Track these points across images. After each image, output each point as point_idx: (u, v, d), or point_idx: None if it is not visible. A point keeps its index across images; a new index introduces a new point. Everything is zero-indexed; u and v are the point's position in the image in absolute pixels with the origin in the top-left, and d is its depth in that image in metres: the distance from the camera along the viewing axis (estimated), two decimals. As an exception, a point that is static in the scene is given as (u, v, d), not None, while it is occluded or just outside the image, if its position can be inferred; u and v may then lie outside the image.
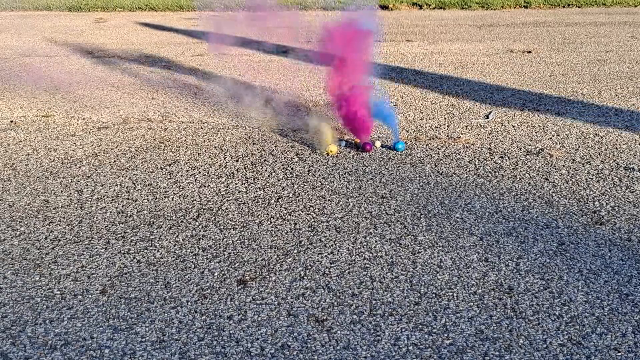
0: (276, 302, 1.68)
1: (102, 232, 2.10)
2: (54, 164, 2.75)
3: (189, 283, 1.78)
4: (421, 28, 6.91)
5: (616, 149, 2.84)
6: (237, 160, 2.76)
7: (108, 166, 2.72)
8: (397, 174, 2.58)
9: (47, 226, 2.15)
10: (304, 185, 2.47)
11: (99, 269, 1.87)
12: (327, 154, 2.80)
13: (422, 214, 2.20)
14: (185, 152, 2.88)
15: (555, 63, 4.78)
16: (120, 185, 2.51)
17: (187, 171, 2.64)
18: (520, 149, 2.86)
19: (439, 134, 3.10)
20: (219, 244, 2.01)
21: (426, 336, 1.54)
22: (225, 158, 2.80)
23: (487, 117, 3.36)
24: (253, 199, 2.36)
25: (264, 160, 2.75)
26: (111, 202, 2.34)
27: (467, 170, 2.61)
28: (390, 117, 2.91)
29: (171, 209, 2.27)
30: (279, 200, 2.34)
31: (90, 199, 2.37)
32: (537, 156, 2.76)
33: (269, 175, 2.58)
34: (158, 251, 1.97)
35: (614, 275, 1.80)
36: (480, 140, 2.98)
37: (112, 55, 5.26)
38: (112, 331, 1.57)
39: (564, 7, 8.66)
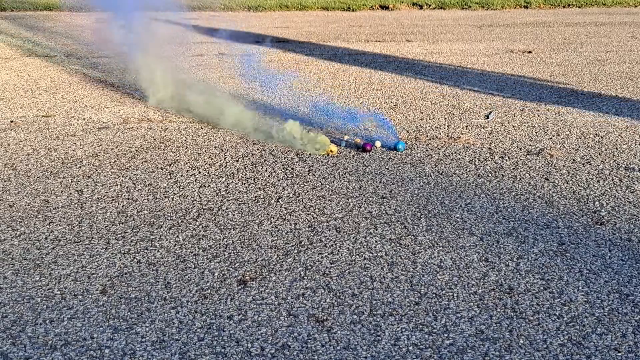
0: (276, 302, 1.68)
1: (103, 232, 2.10)
2: (54, 164, 2.75)
3: (189, 283, 1.78)
4: (421, 28, 6.90)
5: (616, 149, 2.84)
6: (237, 161, 2.76)
7: (108, 166, 2.72)
8: (397, 174, 2.58)
9: (47, 226, 2.15)
10: (304, 186, 2.47)
11: (99, 269, 1.87)
12: (327, 154, 2.80)
13: (422, 214, 2.20)
14: (186, 152, 2.88)
15: (555, 63, 4.78)
16: (121, 185, 2.51)
17: (187, 171, 2.64)
18: (521, 149, 2.86)
19: (439, 134, 3.10)
20: (219, 244, 2.01)
21: (426, 336, 1.54)
22: (225, 158, 2.80)
23: (487, 117, 3.36)
24: (253, 199, 2.36)
25: (264, 160, 2.75)
26: (111, 202, 2.34)
27: (468, 170, 2.61)
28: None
29: (171, 209, 2.27)
30: (279, 200, 2.34)
31: (90, 199, 2.37)
32: (537, 156, 2.76)
33: (269, 176, 2.58)
34: (158, 251, 1.97)
35: (614, 275, 1.80)
36: (480, 141, 2.98)
37: (113, 55, 5.26)
38: (112, 331, 1.57)
39: (564, 7, 8.65)
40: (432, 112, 3.48)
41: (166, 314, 1.64)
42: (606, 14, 7.84)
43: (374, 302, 1.68)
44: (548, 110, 3.50)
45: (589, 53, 5.14)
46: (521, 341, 1.51)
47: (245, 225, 2.14)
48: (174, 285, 1.77)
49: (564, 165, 2.65)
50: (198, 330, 1.57)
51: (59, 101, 3.81)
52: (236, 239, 2.04)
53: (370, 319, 1.60)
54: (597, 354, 1.47)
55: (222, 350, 1.50)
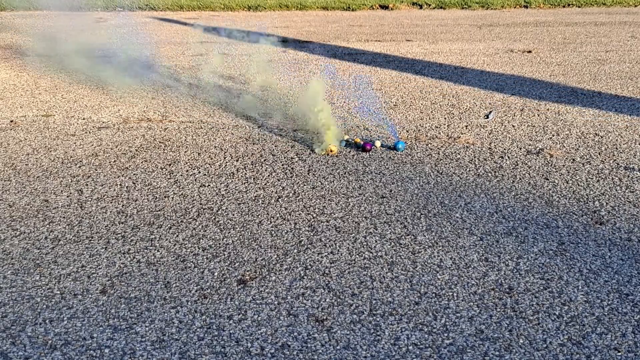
0: (276, 302, 1.68)
1: (102, 232, 2.10)
2: (54, 164, 2.75)
3: (189, 283, 1.78)
4: (421, 28, 6.91)
5: (616, 148, 2.84)
6: (237, 160, 2.76)
7: (108, 166, 2.72)
8: (397, 173, 2.58)
9: (47, 226, 2.15)
10: (304, 185, 2.47)
11: (99, 268, 1.87)
12: (327, 153, 2.80)
13: (422, 214, 2.20)
14: (185, 151, 2.88)
15: (555, 63, 4.78)
16: (120, 185, 2.51)
17: (187, 171, 2.64)
18: (520, 148, 2.86)
19: (439, 133, 3.10)
20: (219, 243, 2.01)
21: (426, 336, 1.54)
22: (225, 158, 2.80)
23: (487, 117, 3.36)
24: (253, 198, 2.35)
25: (264, 160, 2.75)
26: (111, 202, 2.34)
27: (467, 170, 2.61)
28: None
29: (171, 209, 2.27)
30: (279, 200, 2.34)
31: (90, 199, 2.37)
32: (537, 156, 2.76)
33: (269, 175, 2.58)
34: (158, 251, 1.97)
35: (614, 275, 1.80)
36: (480, 140, 2.98)
37: (112, 55, 5.26)
38: (112, 331, 1.57)
39: (564, 7, 8.66)
40: (432, 112, 3.48)
41: (166, 314, 1.64)
42: (606, 13, 7.84)
43: (374, 301, 1.68)
44: (548, 109, 3.50)
45: (589, 53, 5.14)
46: (521, 341, 1.51)
47: (245, 225, 2.14)
48: (174, 285, 1.77)
49: (563, 165, 2.65)
50: (198, 329, 1.57)
51: (58, 101, 3.81)
52: (236, 238, 2.04)
53: (370, 319, 1.60)
54: (597, 353, 1.47)
55: (222, 350, 1.50)
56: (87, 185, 2.51)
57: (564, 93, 3.86)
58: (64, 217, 2.22)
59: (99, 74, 4.39)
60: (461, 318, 1.60)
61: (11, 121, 3.41)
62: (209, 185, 2.49)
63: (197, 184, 2.51)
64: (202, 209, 2.27)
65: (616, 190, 2.39)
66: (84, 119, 3.43)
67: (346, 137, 2.96)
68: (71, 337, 1.55)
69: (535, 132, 3.10)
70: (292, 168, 2.65)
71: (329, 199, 2.33)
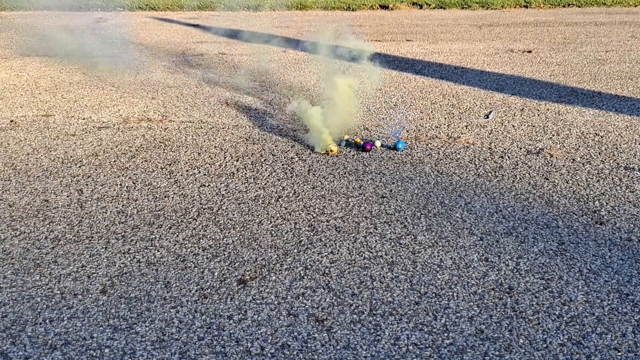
0: (276, 302, 1.68)
1: (102, 232, 2.10)
2: (54, 164, 2.75)
3: (189, 283, 1.78)
4: (421, 28, 6.91)
5: (616, 148, 2.84)
6: (237, 160, 2.76)
7: (108, 166, 2.72)
8: (397, 173, 2.58)
9: (47, 226, 2.15)
10: (304, 185, 2.47)
11: (99, 268, 1.87)
12: (327, 153, 2.80)
13: (422, 214, 2.20)
14: (185, 151, 2.88)
15: (555, 63, 4.78)
16: (120, 184, 2.51)
17: (187, 171, 2.64)
18: (520, 148, 2.86)
19: (439, 133, 3.10)
20: (219, 243, 2.01)
21: (426, 336, 1.54)
22: (225, 158, 2.80)
23: (487, 117, 3.36)
24: (253, 198, 2.35)
25: (264, 160, 2.75)
26: (111, 202, 2.34)
27: (467, 170, 2.61)
28: None
29: (171, 209, 2.27)
30: (279, 200, 2.34)
31: (90, 199, 2.37)
32: (537, 156, 2.76)
33: (269, 175, 2.58)
34: (158, 251, 1.97)
35: (614, 275, 1.80)
36: (480, 140, 2.98)
37: (112, 55, 5.26)
38: (112, 331, 1.57)
39: (564, 6, 8.66)
40: (432, 112, 3.48)
41: (166, 314, 1.64)
42: (606, 13, 7.84)
43: (374, 301, 1.68)
44: (548, 109, 3.50)
45: (589, 52, 5.15)
46: (521, 341, 1.51)
47: (245, 224, 2.14)
48: (174, 284, 1.77)
49: (563, 165, 2.65)
50: (198, 329, 1.57)
51: (58, 101, 3.81)
52: (236, 238, 2.04)
53: (370, 319, 1.60)
54: (597, 353, 1.47)
55: (222, 349, 1.50)
56: (87, 185, 2.51)
57: (564, 93, 3.86)
58: (64, 217, 2.22)
59: (98, 73, 4.39)
60: (461, 318, 1.60)
61: (11, 121, 3.41)
62: (209, 185, 2.49)
63: (197, 183, 2.51)
64: (202, 209, 2.27)
65: (616, 190, 2.39)
66: (84, 118, 3.43)
67: (346, 137, 2.96)
68: (71, 337, 1.55)
69: (535, 132, 3.10)
70: (292, 168, 2.65)
71: (329, 199, 2.33)
